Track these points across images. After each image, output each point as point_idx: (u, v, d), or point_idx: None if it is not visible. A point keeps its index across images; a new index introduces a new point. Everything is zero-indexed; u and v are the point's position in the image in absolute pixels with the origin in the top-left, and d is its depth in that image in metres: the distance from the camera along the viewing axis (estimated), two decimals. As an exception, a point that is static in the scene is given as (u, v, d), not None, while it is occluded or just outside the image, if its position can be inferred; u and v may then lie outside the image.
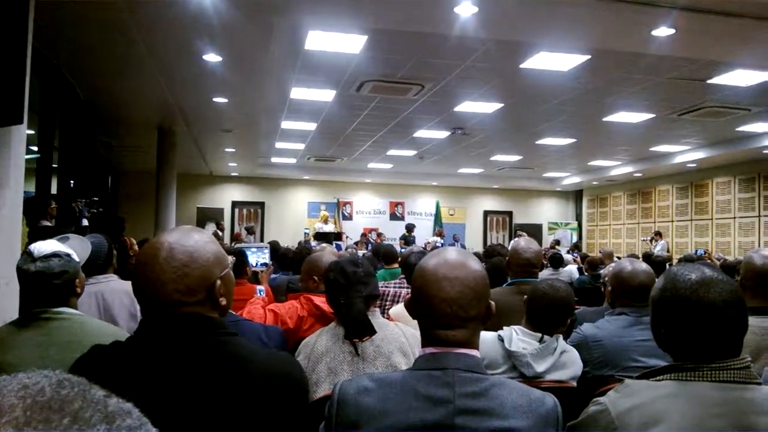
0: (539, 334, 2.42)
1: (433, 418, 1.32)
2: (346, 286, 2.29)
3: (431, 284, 1.43)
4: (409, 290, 3.91)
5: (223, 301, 1.40)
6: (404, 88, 8.27)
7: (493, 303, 1.47)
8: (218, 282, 1.39)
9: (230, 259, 1.53)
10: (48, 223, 5.77)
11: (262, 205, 18.35)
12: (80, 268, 2.34)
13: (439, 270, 1.44)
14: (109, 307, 3.02)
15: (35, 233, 5.09)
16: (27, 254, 2.20)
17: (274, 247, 7.07)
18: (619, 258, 7.85)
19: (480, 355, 1.46)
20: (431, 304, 1.42)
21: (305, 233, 16.09)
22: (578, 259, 10.61)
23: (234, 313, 2.32)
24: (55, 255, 2.21)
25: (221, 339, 1.38)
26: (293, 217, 18.21)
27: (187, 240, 1.39)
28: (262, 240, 16.09)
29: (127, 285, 3.24)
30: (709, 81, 7.74)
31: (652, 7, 5.22)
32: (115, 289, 3.10)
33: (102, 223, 10.60)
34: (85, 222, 7.70)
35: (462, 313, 1.41)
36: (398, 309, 3.36)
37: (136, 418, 0.48)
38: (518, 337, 2.41)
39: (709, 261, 8.99)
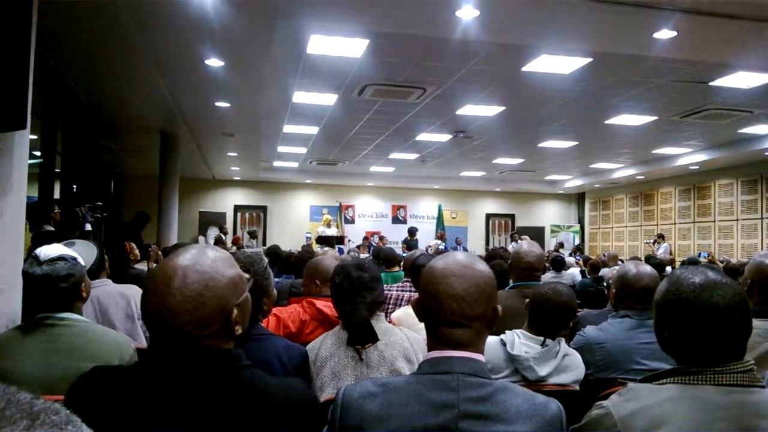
0: (541, 338, 2.41)
1: (436, 423, 1.31)
2: (350, 291, 2.28)
3: (439, 280, 1.44)
4: (412, 293, 3.92)
5: (239, 330, 1.32)
6: (406, 91, 8.28)
7: (500, 307, 1.48)
8: (235, 311, 1.30)
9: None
10: (51, 228, 5.78)
11: (264, 209, 18.36)
12: (86, 273, 2.34)
13: (448, 268, 1.46)
14: (105, 310, 3.03)
15: (38, 238, 5.10)
16: (33, 258, 2.20)
17: (274, 252, 7.06)
18: (622, 261, 7.84)
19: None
20: (438, 300, 1.43)
21: (307, 237, 16.08)
22: (581, 262, 10.60)
23: (261, 325, 2.25)
24: (61, 258, 2.21)
25: (239, 373, 1.30)
26: (295, 220, 18.22)
27: (203, 264, 1.29)
28: (264, 244, 16.11)
29: (122, 287, 3.24)
30: (711, 83, 7.74)
31: (654, 9, 5.22)
32: (110, 292, 3.11)
33: (107, 229, 10.66)
34: (88, 227, 7.71)
35: (468, 311, 1.41)
36: (400, 313, 3.35)
37: (64, 416, 0.50)
38: (520, 341, 2.41)
39: (713, 264, 8.97)
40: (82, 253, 2.45)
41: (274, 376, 1.38)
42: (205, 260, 1.30)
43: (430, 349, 1.46)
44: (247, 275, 1.44)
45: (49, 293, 2.17)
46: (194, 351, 1.26)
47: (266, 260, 2.26)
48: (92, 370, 1.35)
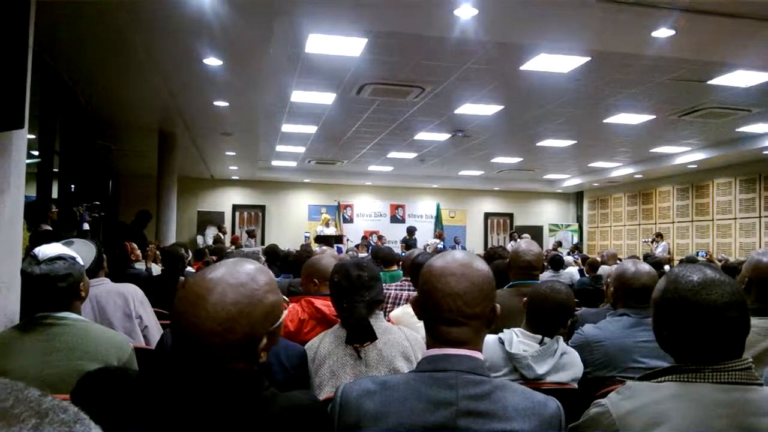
0: (540, 336, 2.41)
1: (435, 420, 1.32)
2: (349, 290, 2.28)
3: (438, 279, 1.45)
4: (410, 292, 3.92)
5: (263, 357, 1.27)
6: (404, 90, 8.28)
7: (498, 305, 1.48)
8: (264, 340, 1.25)
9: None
10: (48, 228, 5.78)
11: (262, 208, 18.36)
12: (85, 273, 2.34)
13: (447, 267, 1.46)
14: (103, 309, 3.03)
15: (36, 237, 5.09)
16: (31, 257, 2.20)
17: (273, 251, 7.06)
18: (620, 260, 7.85)
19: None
20: (436, 298, 1.43)
21: (306, 237, 16.07)
22: (579, 261, 10.61)
23: None
24: (59, 258, 2.21)
25: (263, 395, 1.25)
26: (294, 220, 18.21)
27: (245, 286, 1.22)
28: (262, 243, 16.11)
29: (120, 286, 3.24)
30: (709, 82, 7.74)
31: (652, 8, 5.22)
32: (108, 291, 3.11)
33: (105, 229, 10.65)
34: (86, 226, 7.70)
35: (467, 309, 1.42)
36: (398, 312, 3.35)
37: (72, 413, 0.49)
38: (519, 340, 2.41)
39: (711, 262, 8.98)
40: (80, 252, 2.45)
41: (288, 393, 1.33)
42: (247, 279, 1.24)
43: (428, 347, 1.46)
44: (286, 299, 1.38)
45: (47, 292, 2.16)
46: (217, 372, 1.20)
47: (263, 259, 2.26)
48: (101, 371, 1.31)
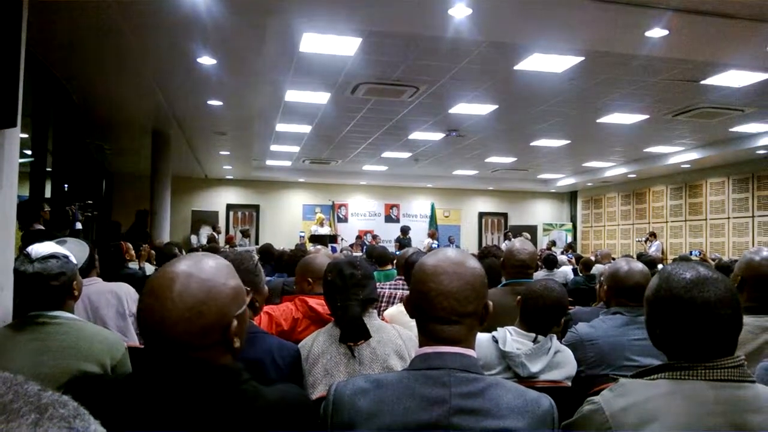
0: (533, 335, 2.42)
1: (428, 418, 1.32)
2: (342, 289, 2.28)
3: (430, 278, 1.44)
4: (404, 291, 3.92)
5: (237, 343, 1.26)
6: (399, 90, 8.28)
7: (490, 303, 1.48)
8: (234, 322, 1.25)
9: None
10: (41, 227, 5.75)
11: (257, 208, 18.33)
12: (78, 271, 2.33)
13: (439, 265, 1.46)
14: (96, 308, 3.02)
15: (28, 237, 5.07)
16: (24, 256, 2.19)
17: (267, 250, 7.06)
18: (614, 259, 7.87)
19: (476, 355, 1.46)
20: (429, 297, 1.43)
21: (300, 236, 16.04)
22: (573, 260, 10.63)
23: (253, 323, 2.25)
24: (52, 256, 2.20)
25: (241, 387, 1.24)
26: (288, 219, 18.19)
27: (205, 272, 1.24)
28: (257, 243, 16.08)
29: (113, 285, 3.23)
30: (702, 82, 7.77)
31: (646, 8, 5.23)
32: (100, 290, 3.10)
33: (98, 228, 10.61)
34: (79, 225, 7.67)
35: (459, 308, 1.42)
36: (393, 311, 3.36)
37: (72, 408, 0.49)
38: (512, 338, 2.41)
39: (704, 262, 9.01)
40: (73, 251, 2.44)
41: (272, 387, 1.33)
42: (207, 268, 1.26)
43: (421, 345, 1.46)
44: (247, 288, 1.40)
45: (40, 291, 2.16)
46: (192, 365, 1.19)
47: (256, 257, 2.25)
48: (79, 378, 1.30)
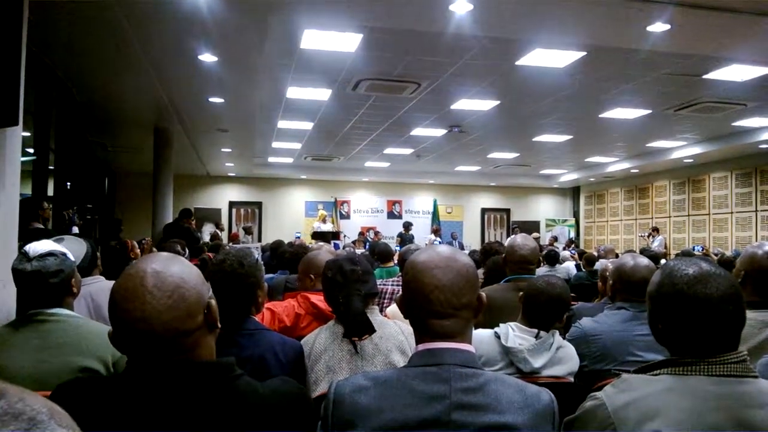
0: (535, 330, 2.42)
1: (429, 414, 1.32)
2: (344, 285, 2.28)
3: (423, 274, 1.45)
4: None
5: (218, 323, 1.28)
6: (400, 86, 8.27)
7: (484, 294, 1.49)
8: (213, 301, 1.27)
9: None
10: (40, 226, 5.74)
11: (259, 205, 18.33)
12: (76, 269, 2.34)
13: (431, 260, 1.47)
14: (99, 306, 3.01)
15: (27, 235, 5.07)
16: (22, 254, 2.19)
17: (279, 246, 7.04)
18: (617, 255, 7.86)
19: (477, 352, 1.47)
20: (424, 293, 1.44)
21: (296, 237, 15.79)
22: (576, 256, 10.62)
23: (256, 319, 2.27)
24: (50, 254, 2.20)
25: (234, 383, 1.25)
26: (291, 216, 18.20)
27: (169, 262, 1.25)
28: (260, 240, 16.08)
29: None
30: (705, 76, 7.74)
31: (648, 3, 5.22)
32: (103, 288, 3.10)
33: (101, 226, 10.57)
34: (76, 230, 7.57)
35: (455, 300, 1.43)
36: (394, 308, 3.36)
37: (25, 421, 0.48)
38: (515, 334, 2.41)
39: (707, 256, 8.99)
40: (71, 248, 2.44)
41: (265, 381, 1.34)
42: (169, 260, 1.27)
43: (418, 342, 1.46)
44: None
45: (39, 289, 2.16)
46: (184, 363, 1.20)
47: (257, 255, 2.29)
48: (73, 381, 1.28)
